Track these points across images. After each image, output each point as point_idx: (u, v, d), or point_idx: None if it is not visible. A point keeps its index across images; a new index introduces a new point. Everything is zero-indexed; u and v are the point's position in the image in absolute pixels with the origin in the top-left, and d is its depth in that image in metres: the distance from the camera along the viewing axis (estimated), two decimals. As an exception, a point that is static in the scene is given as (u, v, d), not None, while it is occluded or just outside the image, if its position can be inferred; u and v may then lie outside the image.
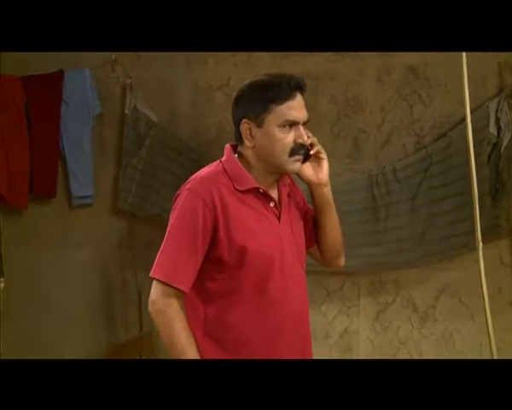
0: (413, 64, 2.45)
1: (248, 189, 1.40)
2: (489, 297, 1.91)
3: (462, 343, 2.47)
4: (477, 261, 1.89)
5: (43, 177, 2.91)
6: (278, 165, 1.40)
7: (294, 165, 1.40)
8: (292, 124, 1.38)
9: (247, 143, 1.41)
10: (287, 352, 1.42)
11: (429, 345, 2.48)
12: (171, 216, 1.41)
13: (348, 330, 2.61)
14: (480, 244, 1.76)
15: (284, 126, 1.37)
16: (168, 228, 1.41)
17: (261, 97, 1.37)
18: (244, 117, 1.40)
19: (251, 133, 1.40)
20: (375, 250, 2.39)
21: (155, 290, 1.39)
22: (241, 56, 2.73)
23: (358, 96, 2.54)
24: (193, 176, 1.44)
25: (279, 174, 1.44)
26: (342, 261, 1.62)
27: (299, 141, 1.38)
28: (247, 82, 1.43)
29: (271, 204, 1.43)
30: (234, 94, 1.44)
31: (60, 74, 2.90)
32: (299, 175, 1.47)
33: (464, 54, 1.75)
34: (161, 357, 2.46)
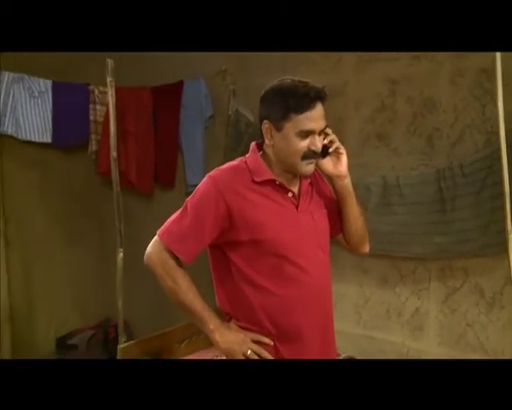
0: (485, 66, 2.44)
1: (265, 180, 1.44)
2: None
3: (529, 330, 2.44)
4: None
5: (165, 168, 3.33)
6: (292, 166, 1.44)
7: (307, 168, 1.44)
8: (308, 133, 1.41)
9: (266, 141, 1.46)
10: (307, 327, 1.45)
11: (496, 329, 2.48)
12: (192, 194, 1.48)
13: (419, 310, 2.69)
14: (511, 236, 1.78)
15: (300, 135, 1.40)
16: (185, 202, 1.47)
17: (282, 105, 1.39)
18: (266, 118, 1.44)
19: (271, 134, 1.44)
20: (442, 239, 2.44)
21: (157, 245, 1.45)
22: (329, 64, 2.91)
23: (433, 97, 2.59)
24: (220, 166, 1.50)
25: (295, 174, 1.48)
26: (366, 248, 1.66)
27: (313, 148, 1.42)
28: (273, 84, 1.45)
29: (289, 194, 1.47)
30: (261, 92, 1.48)
31: (180, 84, 3.29)
32: (320, 169, 1.53)
33: (498, 54, 1.78)
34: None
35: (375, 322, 2.84)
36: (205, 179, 1.47)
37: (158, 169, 3.33)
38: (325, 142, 1.47)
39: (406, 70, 2.64)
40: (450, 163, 2.42)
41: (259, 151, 1.51)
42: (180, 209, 1.47)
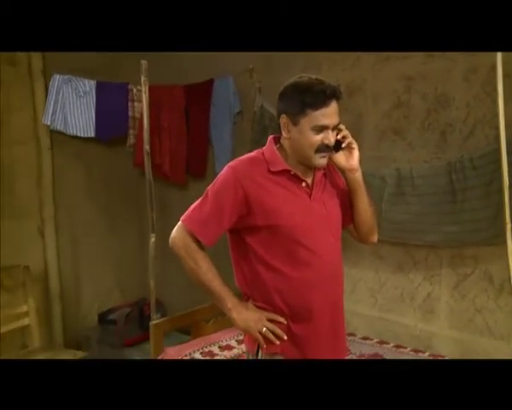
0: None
1: (280, 170, 1.48)
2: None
3: (536, 316, 2.43)
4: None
5: (197, 161, 3.42)
6: (306, 158, 1.48)
7: (320, 160, 1.48)
8: (322, 128, 1.44)
9: (284, 134, 1.49)
10: (318, 308, 1.48)
11: (503, 315, 2.50)
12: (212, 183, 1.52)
13: (431, 295, 2.73)
14: (509, 226, 1.79)
15: (315, 129, 1.44)
16: (206, 190, 1.51)
17: (299, 101, 1.42)
18: (284, 113, 1.47)
19: (287, 128, 1.47)
20: (453, 228, 2.46)
21: (181, 230, 1.50)
22: (348, 62, 2.93)
23: (446, 93, 2.59)
24: (238, 157, 1.54)
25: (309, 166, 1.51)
26: (375, 238, 1.67)
27: (326, 142, 1.45)
28: (291, 81, 1.48)
29: (303, 184, 1.50)
30: (280, 88, 1.50)
31: (211, 82, 3.36)
32: (333, 162, 1.55)
33: (499, 54, 1.78)
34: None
35: (389, 305, 2.89)
36: (225, 169, 1.51)
37: (190, 162, 3.43)
38: (338, 137, 1.50)
39: (421, 68, 2.66)
40: (461, 156, 2.43)
41: (276, 144, 1.55)
42: (201, 197, 1.52)
